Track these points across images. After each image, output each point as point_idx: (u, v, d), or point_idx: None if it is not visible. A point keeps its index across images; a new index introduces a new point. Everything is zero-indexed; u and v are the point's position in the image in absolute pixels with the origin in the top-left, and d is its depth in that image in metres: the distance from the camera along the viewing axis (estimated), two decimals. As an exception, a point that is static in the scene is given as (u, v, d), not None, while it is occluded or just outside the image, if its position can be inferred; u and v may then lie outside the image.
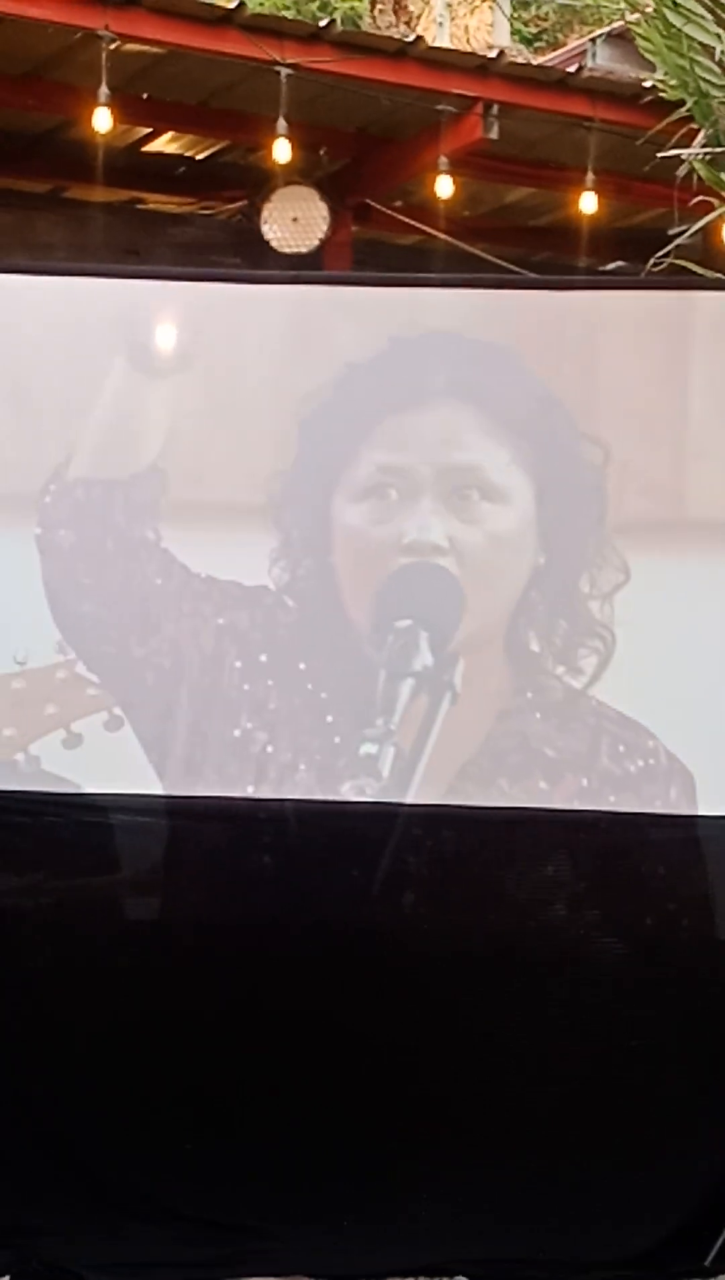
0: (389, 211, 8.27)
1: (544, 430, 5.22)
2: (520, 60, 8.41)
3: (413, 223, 8.17)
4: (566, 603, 5.21)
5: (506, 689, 5.20)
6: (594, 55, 9.49)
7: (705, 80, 6.50)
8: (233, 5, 7.34)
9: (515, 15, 15.59)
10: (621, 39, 8.56)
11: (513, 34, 15.15)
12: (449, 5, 13.74)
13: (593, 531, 5.19)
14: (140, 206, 9.01)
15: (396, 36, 8.13)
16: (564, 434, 5.24)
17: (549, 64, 9.43)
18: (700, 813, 5.08)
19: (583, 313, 5.52)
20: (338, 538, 5.23)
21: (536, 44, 16.11)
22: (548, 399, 5.26)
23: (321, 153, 8.07)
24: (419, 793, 5.09)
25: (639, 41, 6.93)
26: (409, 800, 5.07)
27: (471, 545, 5.17)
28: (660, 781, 5.11)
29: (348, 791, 5.08)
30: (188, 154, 8.67)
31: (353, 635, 5.22)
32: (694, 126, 6.57)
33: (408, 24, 15.11)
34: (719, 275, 6.66)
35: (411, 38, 7.68)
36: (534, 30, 16.81)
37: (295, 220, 8.03)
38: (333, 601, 5.26)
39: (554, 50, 13.65)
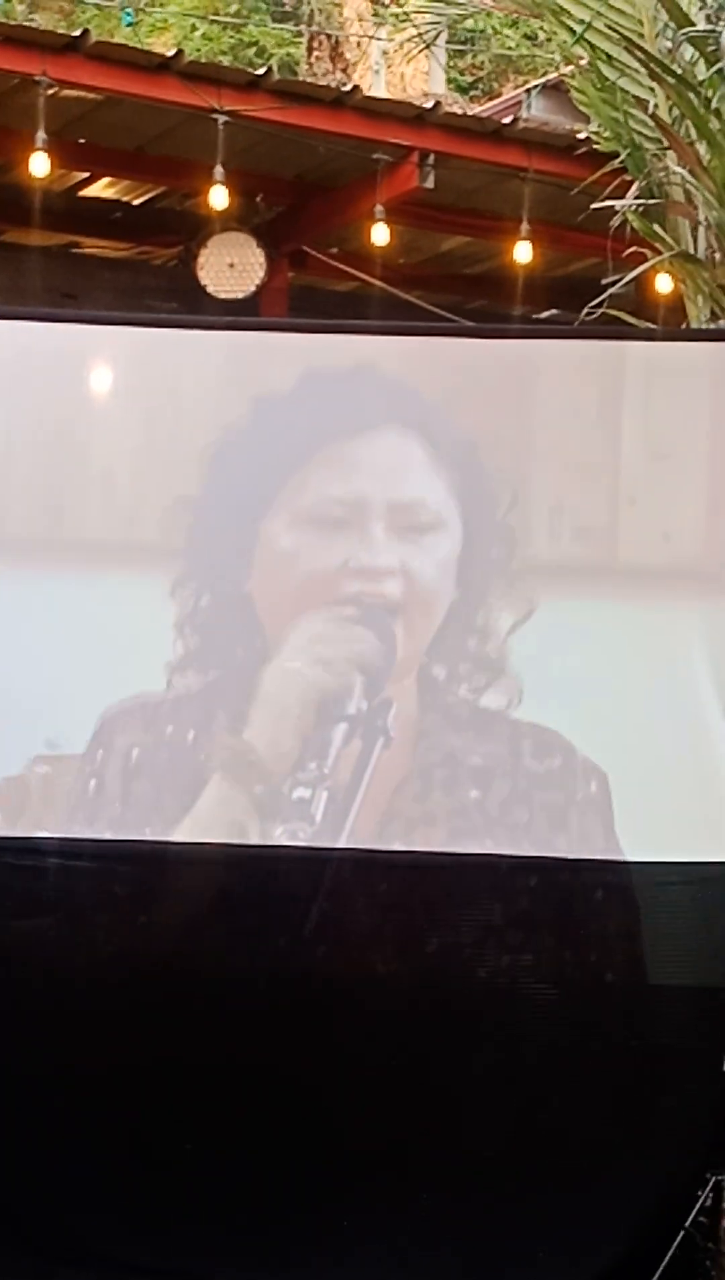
0: (325, 258, 8.31)
1: (466, 467, 5.29)
2: (456, 110, 8.49)
3: (349, 269, 8.21)
4: (474, 638, 5.26)
5: (424, 714, 5.24)
6: (529, 106, 9.58)
7: (639, 133, 6.60)
8: (170, 53, 7.38)
9: (451, 64, 15.70)
10: (557, 90, 8.65)
11: (448, 82, 15.27)
12: (385, 53, 13.84)
13: (501, 570, 5.25)
14: (77, 251, 9.02)
15: (333, 85, 8.20)
16: (479, 474, 5.30)
17: (485, 114, 9.51)
18: (615, 823, 5.15)
19: (517, 360, 5.58)
20: (266, 564, 5.27)
21: (472, 93, 16.23)
22: (467, 438, 5.33)
23: (258, 199, 8.11)
24: (352, 837, 5.11)
25: (573, 94, 7.03)
26: (342, 845, 5.10)
27: (419, 572, 5.21)
28: (580, 776, 5.16)
29: (281, 836, 5.10)
30: (125, 199, 8.69)
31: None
32: (628, 178, 6.67)
33: (344, 71, 15.22)
34: (651, 325, 6.75)
35: (348, 87, 7.74)
36: (470, 79, 16.93)
37: (231, 266, 8.06)
38: (252, 632, 5.30)
39: (490, 99, 13.77)
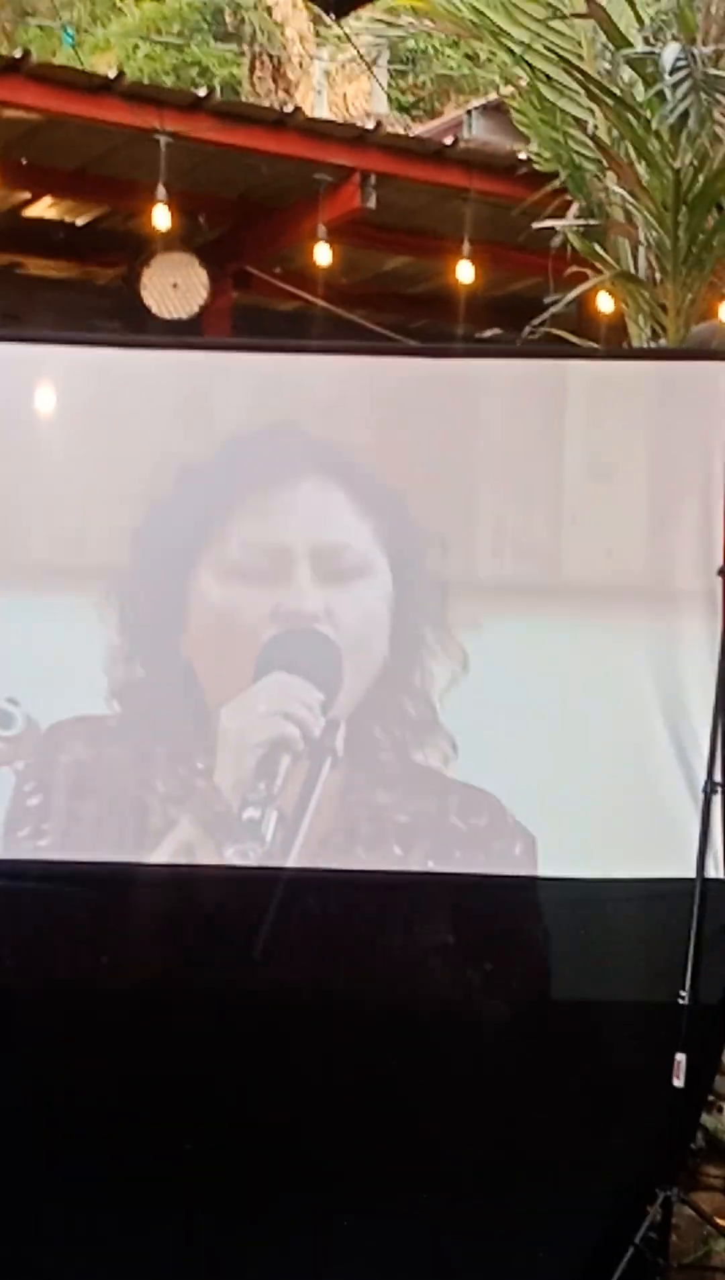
0: (268, 278, 8.33)
1: (394, 519, 5.30)
2: (397, 130, 8.52)
3: (292, 289, 8.23)
4: (408, 698, 5.28)
5: (356, 766, 5.26)
6: (470, 126, 9.63)
7: (578, 153, 6.65)
8: (112, 74, 7.38)
9: (393, 84, 15.75)
10: (497, 110, 8.69)
11: (390, 102, 15.32)
12: (327, 73, 13.89)
13: (433, 624, 5.27)
14: (20, 271, 9.02)
15: (275, 105, 8.20)
16: (408, 527, 5.31)
17: (426, 134, 9.56)
18: (554, 845, 5.16)
19: (459, 379, 5.60)
20: (199, 614, 5.27)
21: (414, 112, 16.28)
22: (395, 487, 5.34)
23: (201, 220, 8.12)
24: (301, 856, 5.12)
25: (513, 114, 7.07)
26: (291, 864, 5.10)
27: (346, 618, 5.23)
28: (506, 838, 5.18)
29: (231, 856, 5.10)
30: (68, 219, 8.69)
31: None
32: (568, 198, 6.71)
33: (287, 91, 15.25)
34: (593, 344, 6.79)
35: (290, 108, 7.75)
36: (411, 99, 16.99)
37: (175, 286, 8.06)
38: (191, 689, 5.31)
39: (431, 119, 13.81)
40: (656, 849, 5.22)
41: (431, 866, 5.14)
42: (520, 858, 5.16)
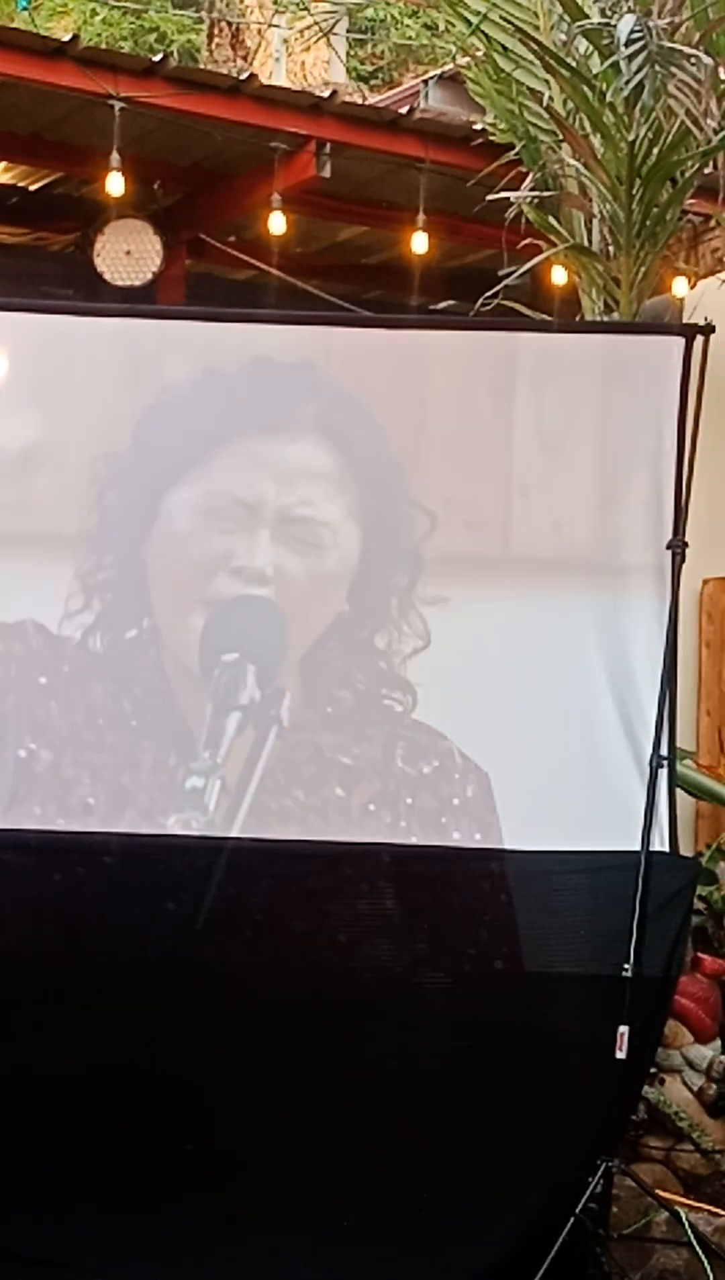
0: (222, 246, 8.28)
1: (380, 487, 5.30)
2: (354, 99, 8.48)
3: (246, 258, 8.19)
4: (360, 654, 5.28)
5: (305, 714, 5.26)
6: (427, 96, 9.59)
7: (534, 125, 6.63)
8: (67, 38, 7.32)
9: (351, 53, 15.67)
10: (454, 81, 8.66)
11: (348, 72, 15.24)
12: (286, 41, 13.80)
13: (402, 597, 5.27)
14: (-28, 237, 8.96)
15: (231, 73, 8.14)
16: (396, 498, 5.31)
17: (382, 104, 9.50)
18: (501, 818, 5.18)
19: (413, 350, 5.59)
20: (163, 535, 5.26)
21: (372, 82, 16.21)
22: (390, 457, 5.34)
23: (155, 186, 8.06)
24: (245, 826, 5.11)
25: (469, 85, 7.05)
26: (235, 834, 5.10)
27: (294, 580, 5.22)
28: (457, 783, 5.19)
29: (174, 825, 5.09)
30: (20, 185, 8.62)
31: (174, 664, 5.26)
32: (523, 170, 6.69)
33: (245, 58, 15.15)
34: (546, 317, 6.78)
35: (245, 75, 7.70)
36: (370, 68, 16.91)
37: (128, 253, 8.02)
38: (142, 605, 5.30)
39: (390, 88, 13.75)
40: (602, 822, 5.24)
41: (372, 811, 5.14)
42: (474, 801, 5.18)
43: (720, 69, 5.98)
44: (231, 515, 5.21)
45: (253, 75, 7.80)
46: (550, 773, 5.27)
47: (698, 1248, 4.92)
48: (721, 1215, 5.06)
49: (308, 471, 5.28)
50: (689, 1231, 4.94)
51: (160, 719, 5.19)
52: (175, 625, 5.21)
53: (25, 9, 14.92)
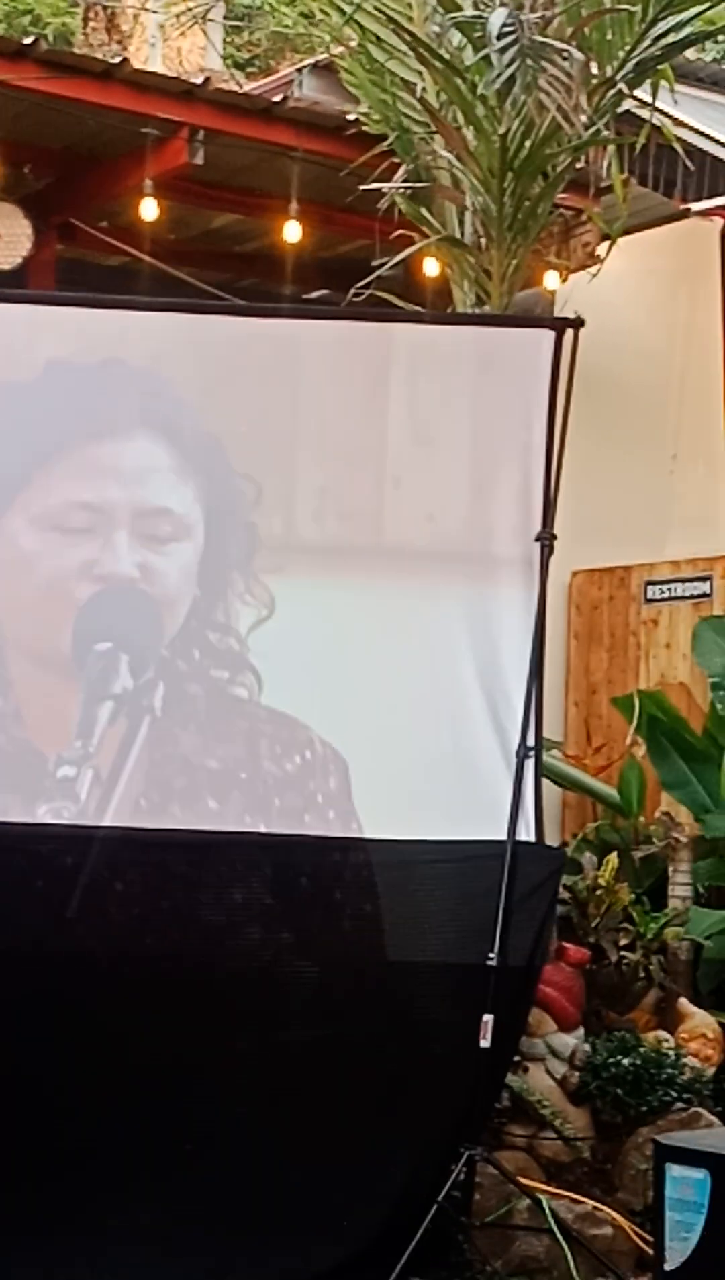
0: (94, 232, 8.21)
1: (213, 467, 5.30)
2: (227, 86, 8.42)
3: (118, 244, 8.12)
4: (212, 632, 5.28)
5: (166, 708, 5.25)
6: (301, 85, 9.57)
7: (407, 116, 6.64)
8: (-64, 18, 7.25)
9: (228, 40, 15.60)
10: (329, 70, 8.65)
11: (225, 59, 15.17)
12: (161, 27, 13.71)
13: (241, 568, 5.28)
14: None
15: (104, 58, 8.07)
16: (223, 471, 5.32)
17: (257, 92, 9.47)
18: (370, 806, 5.20)
19: (285, 339, 5.58)
20: (10, 558, 5.22)
21: (249, 69, 16.14)
22: (214, 437, 5.33)
23: (26, 170, 7.97)
24: (117, 815, 5.09)
25: (343, 75, 7.04)
26: (107, 823, 5.07)
27: (160, 576, 5.21)
28: (319, 775, 5.20)
29: (44, 814, 5.05)
30: None
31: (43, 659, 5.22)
32: (397, 161, 6.70)
33: (120, 43, 15.05)
34: (418, 308, 6.80)
35: (118, 59, 7.63)
36: (247, 56, 16.84)
37: (-2, 237, 7.94)
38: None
39: (266, 76, 13.72)
40: (469, 811, 5.27)
41: (248, 823, 5.15)
42: (336, 792, 5.18)
43: (591, 64, 6.03)
44: (83, 523, 5.18)
45: (125, 60, 7.74)
46: (418, 762, 5.30)
47: (558, 1234, 4.96)
48: (583, 1202, 5.10)
49: (150, 466, 5.27)
50: (550, 1218, 4.98)
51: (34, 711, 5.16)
52: (41, 635, 5.18)
53: None
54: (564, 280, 7.65)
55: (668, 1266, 3.22)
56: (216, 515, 5.29)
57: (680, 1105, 5.34)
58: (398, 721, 5.31)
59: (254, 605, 5.26)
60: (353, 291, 6.69)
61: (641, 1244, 4.95)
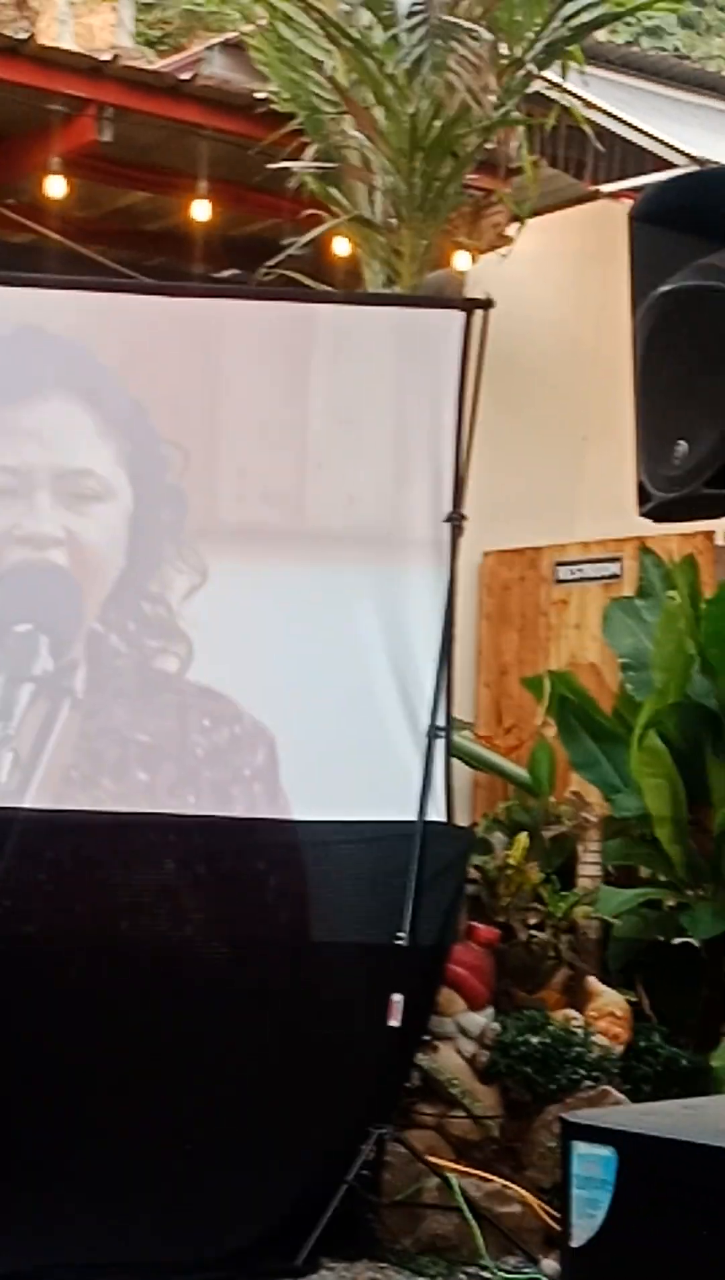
0: (1, 209, 8.14)
1: (136, 433, 5.28)
2: (137, 63, 8.34)
3: (25, 221, 8.04)
4: (144, 601, 5.26)
5: (95, 682, 5.22)
6: (211, 63, 9.51)
7: (316, 95, 6.61)
8: None
9: (140, 18, 15.49)
10: (239, 49, 8.59)
11: (136, 37, 15.07)
12: (72, 3, 13.60)
13: (172, 535, 5.26)
14: None
15: (11, 34, 7.99)
16: (147, 436, 5.30)
17: (166, 69, 9.39)
18: (282, 781, 5.22)
19: (200, 320, 5.56)
20: None
21: (160, 46, 16.04)
22: (136, 403, 5.31)
23: (-69, 147, 7.90)
24: (38, 797, 5.06)
25: (252, 53, 7.00)
26: (28, 805, 5.05)
27: (86, 540, 5.19)
28: (246, 749, 5.19)
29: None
30: None
31: None
32: (306, 140, 6.67)
33: (30, 19, 14.91)
34: (328, 288, 6.77)
35: (24, 35, 7.55)
36: (158, 33, 16.73)
37: None
38: None
39: (177, 54, 13.63)
40: (380, 791, 5.28)
41: (178, 795, 5.13)
42: (264, 766, 5.18)
43: (500, 44, 6.03)
44: (3, 485, 5.16)
45: (32, 36, 7.67)
46: (330, 741, 5.31)
47: (467, 1213, 4.98)
48: (491, 1180, 5.12)
49: (69, 426, 5.25)
50: (459, 1196, 5.00)
51: None
52: None
53: None
54: (475, 261, 7.64)
55: (573, 1244, 3.21)
56: (143, 480, 5.27)
57: (589, 1083, 5.36)
58: (310, 703, 5.32)
59: (187, 573, 5.24)
60: (262, 271, 6.66)
61: (550, 1221, 4.97)
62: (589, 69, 6.92)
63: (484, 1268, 4.91)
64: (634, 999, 5.93)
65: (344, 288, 6.95)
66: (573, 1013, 5.66)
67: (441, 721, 5.31)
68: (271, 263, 6.61)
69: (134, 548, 5.25)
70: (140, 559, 5.25)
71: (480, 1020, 5.48)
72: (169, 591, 5.25)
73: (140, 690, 5.20)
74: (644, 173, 8.78)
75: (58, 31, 13.64)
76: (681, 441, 3.23)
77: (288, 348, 5.52)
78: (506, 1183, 5.13)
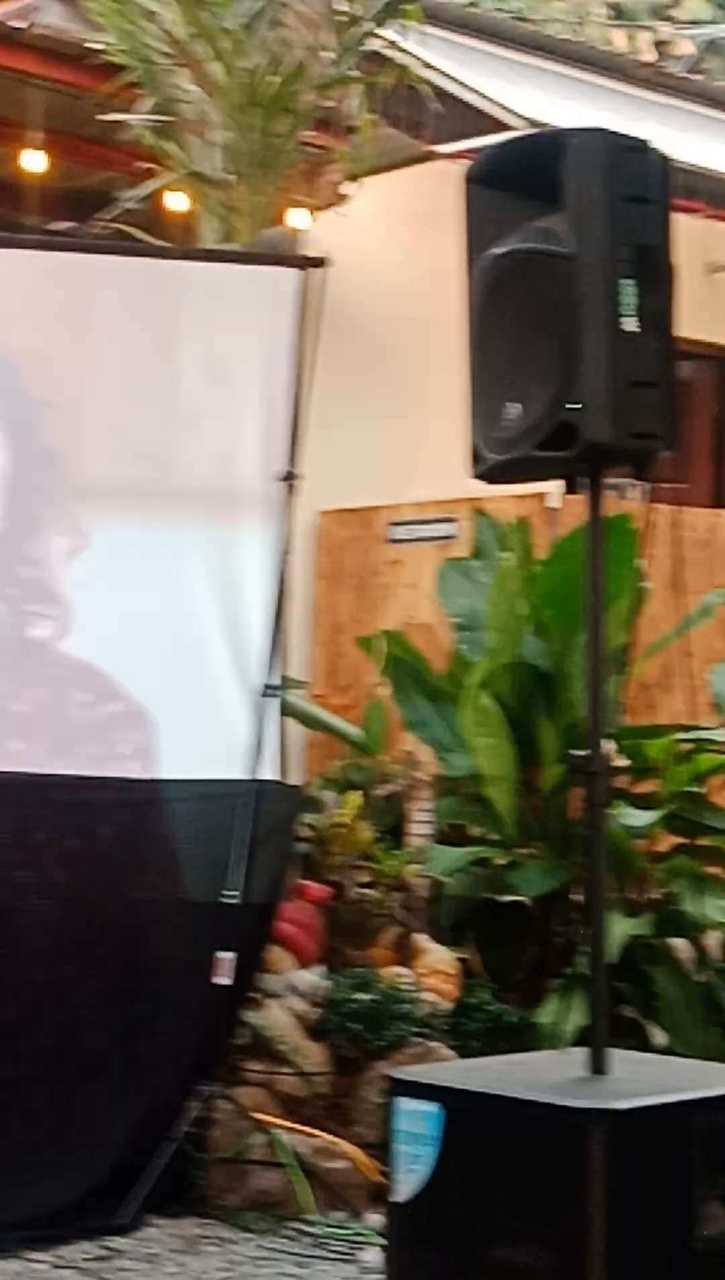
0: None
1: (4, 384, 5.21)
2: (-29, 11, 8.19)
3: None
4: (22, 565, 5.21)
5: None
6: (46, 12, 9.34)
7: (152, 48, 6.54)
8: None
9: (-27, -37, 15.23)
10: (73, -1, 8.48)
11: (-30, -18, 14.81)
12: None
13: (50, 497, 5.20)
14: None
15: None
16: (17, 391, 5.23)
17: None
18: (162, 759, 5.20)
19: (61, 275, 5.49)
20: None
21: (-5, -5, 15.78)
22: (5, 360, 5.24)
23: None
24: None
25: (87, 2, 6.90)
26: None
27: None
28: (126, 726, 5.17)
29: None
30: None
31: None
32: (142, 93, 6.60)
33: None
34: (163, 243, 6.72)
35: None
36: (-6, -20, 16.47)
37: None
38: None
39: (10, 2, 13.41)
40: (212, 750, 5.29)
41: (56, 767, 5.09)
42: (145, 744, 5.20)
43: (338, 2, 6.01)
44: None
45: None
46: (161, 700, 5.29)
47: (294, 1168, 5.01)
48: (317, 1136, 5.15)
49: None
50: (285, 1152, 5.02)
51: None
52: None
53: None
54: (313, 219, 7.62)
55: (397, 1198, 3.25)
56: (17, 439, 5.20)
57: (417, 1040, 5.41)
58: (151, 660, 5.30)
59: (69, 535, 5.19)
60: (95, 223, 6.59)
61: (377, 1177, 5.01)
62: (428, 29, 6.91)
63: (310, 1223, 4.95)
64: (464, 956, 5.98)
65: (181, 243, 6.89)
66: (402, 970, 5.70)
67: (274, 680, 5.31)
68: (107, 216, 6.54)
69: (12, 510, 5.18)
70: (19, 521, 5.18)
71: (309, 978, 5.50)
72: (48, 555, 5.19)
73: (16, 659, 5.15)
74: (481, 134, 8.79)
75: None
76: (513, 404, 3.25)
77: (102, 300, 5.49)
78: (333, 1138, 5.16)
